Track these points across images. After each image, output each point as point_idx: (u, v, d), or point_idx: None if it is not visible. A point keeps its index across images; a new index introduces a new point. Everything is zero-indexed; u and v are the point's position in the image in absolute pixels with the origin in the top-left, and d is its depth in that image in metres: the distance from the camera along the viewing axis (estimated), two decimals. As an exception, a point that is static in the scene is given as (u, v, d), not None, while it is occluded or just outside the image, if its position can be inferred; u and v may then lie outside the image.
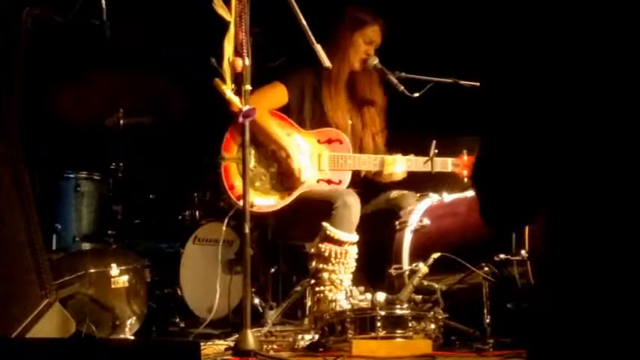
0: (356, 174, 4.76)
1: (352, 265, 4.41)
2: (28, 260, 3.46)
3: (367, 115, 4.95)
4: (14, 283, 3.45)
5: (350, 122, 4.85)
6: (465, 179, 4.79)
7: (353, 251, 4.41)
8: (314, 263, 4.39)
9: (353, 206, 4.41)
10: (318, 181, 4.65)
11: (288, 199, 4.57)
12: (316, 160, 4.68)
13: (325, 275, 4.34)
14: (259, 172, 4.55)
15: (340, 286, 4.31)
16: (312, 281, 4.39)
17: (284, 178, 4.62)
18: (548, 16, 1.76)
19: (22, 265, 3.46)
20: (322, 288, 4.33)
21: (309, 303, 4.44)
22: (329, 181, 4.66)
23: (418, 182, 4.82)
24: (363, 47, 4.80)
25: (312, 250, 4.44)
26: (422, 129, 5.25)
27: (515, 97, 1.76)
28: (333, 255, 4.34)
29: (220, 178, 4.52)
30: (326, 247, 4.35)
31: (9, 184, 3.48)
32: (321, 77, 4.78)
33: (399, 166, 4.71)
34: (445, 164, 4.79)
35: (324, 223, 4.36)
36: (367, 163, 4.72)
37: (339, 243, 4.36)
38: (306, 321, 4.49)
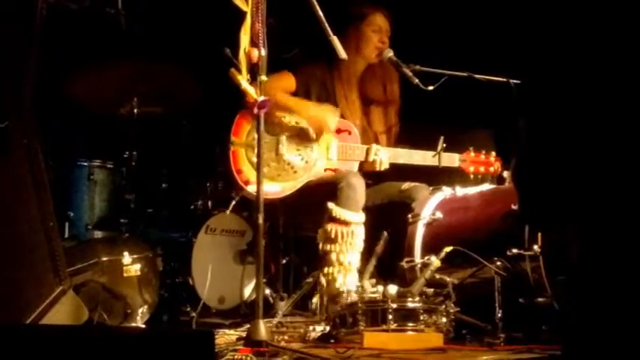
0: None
1: (360, 245, 4.41)
2: (43, 247, 3.47)
3: (381, 111, 4.97)
4: (29, 269, 3.45)
5: (359, 122, 4.86)
6: (471, 175, 4.82)
7: (360, 231, 4.41)
8: (321, 245, 4.40)
9: (357, 186, 4.42)
10: (325, 170, 4.67)
11: (294, 187, 4.58)
12: (324, 149, 4.69)
13: (333, 256, 4.35)
14: (267, 158, 4.55)
15: (349, 266, 4.33)
16: (321, 262, 4.40)
17: (289, 164, 4.61)
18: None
19: (37, 252, 3.47)
20: (331, 269, 4.33)
21: (318, 288, 4.43)
22: (336, 171, 4.67)
23: (431, 176, 4.83)
24: (374, 37, 4.87)
25: (319, 231, 4.44)
26: (435, 121, 5.26)
27: (557, 97, 1.77)
28: (339, 235, 4.35)
29: (228, 163, 4.53)
30: (332, 228, 4.36)
31: (25, 172, 3.49)
32: (333, 73, 4.83)
33: (381, 153, 4.70)
34: (452, 159, 4.83)
35: (329, 204, 4.37)
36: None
37: (345, 223, 4.37)
38: (315, 305, 4.48)
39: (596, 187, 1.73)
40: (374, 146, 4.70)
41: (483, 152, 4.87)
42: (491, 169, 4.86)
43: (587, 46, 1.74)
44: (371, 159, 4.68)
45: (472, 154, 4.86)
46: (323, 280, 4.37)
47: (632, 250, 1.68)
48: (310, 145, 4.68)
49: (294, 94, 4.78)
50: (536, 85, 1.85)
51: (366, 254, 4.43)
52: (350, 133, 4.75)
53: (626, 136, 1.70)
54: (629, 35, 1.71)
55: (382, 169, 4.72)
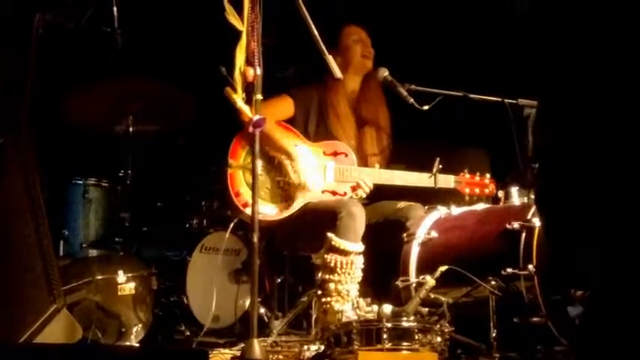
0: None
1: (358, 275, 4.41)
2: (38, 265, 3.47)
3: (374, 133, 4.98)
4: (23, 287, 3.45)
5: (353, 142, 4.87)
6: (467, 197, 4.83)
7: (359, 261, 4.41)
8: (320, 274, 4.40)
9: (357, 216, 4.42)
10: (323, 192, 4.67)
11: (293, 209, 4.58)
12: (322, 171, 4.69)
13: (331, 286, 4.34)
14: (264, 181, 4.57)
15: (347, 296, 4.32)
16: (319, 292, 4.39)
17: (287, 186, 4.63)
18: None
19: (32, 271, 3.47)
20: (329, 299, 4.33)
21: (315, 314, 4.43)
22: (334, 193, 4.68)
23: (427, 195, 4.83)
24: (356, 46, 4.96)
25: (318, 260, 4.44)
26: (431, 141, 5.28)
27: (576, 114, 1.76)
28: (338, 265, 4.34)
29: (226, 185, 4.54)
30: (331, 258, 4.36)
31: (20, 189, 3.49)
32: (328, 94, 4.86)
33: (364, 177, 4.72)
34: (448, 181, 4.83)
35: (329, 234, 4.37)
36: (371, 176, 4.73)
37: (344, 253, 4.36)
38: (313, 332, 4.48)
39: (626, 211, 1.72)
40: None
41: (478, 174, 4.88)
42: (486, 190, 4.88)
43: (608, 63, 1.74)
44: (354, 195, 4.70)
45: (467, 175, 4.87)
46: (319, 311, 4.36)
47: None
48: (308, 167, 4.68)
49: (293, 117, 4.79)
50: (559, 100, 1.84)
51: (363, 282, 4.45)
52: (346, 155, 4.77)
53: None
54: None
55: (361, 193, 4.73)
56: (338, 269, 4.34)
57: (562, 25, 1.83)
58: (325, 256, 4.37)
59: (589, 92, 1.77)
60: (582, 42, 1.78)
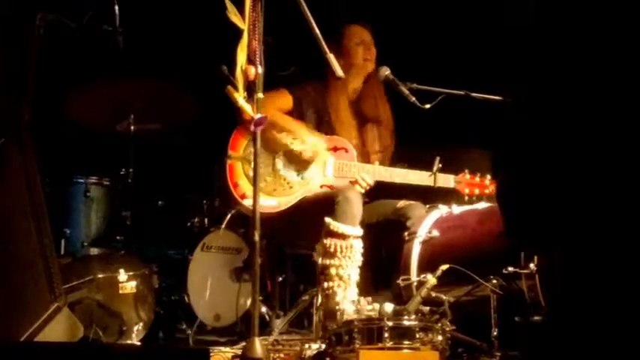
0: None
1: (358, 258, 4.40)
2: (39, 264, 3.47)
3: (376, 130, 4.99)
4: (24, 286, 3.46)
5: (354, 140, 4.88)
6: (466, 197, 4.82)
7: (358, 245, 4.41)
8: (320, 259, 4.39)
9: (354, 200, 4.43)
10: (321, 187, 4.68)
11: (290, 202, 4.59)
12: (321, 166, 4.70)
13: (332, 271, 4.33)
14: (263, 173, 4.56)
15: (348, 280, 4.32)
16: (320, 277, 4.39)
17: (285, 179, 4.64)
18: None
19: (33, 269, 3.47)
20: (330, 283, 4.33)
21: (318, 300, 4.42)
22: (332, 188, 4.68)
23: (428, 194, 4.83)
24: (359, 49, 4.94)
25: (318, 247, 4.44)
26: (432, 140, 5.28)
27: (541, 120, 1.77)
28: (338, 249, 4.34)
29: (225, 176, 4.55)
30: (330, 242, 4.36)
31: (21, 188, 3.50)
32: (327, 92, 4.88)
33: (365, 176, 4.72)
34: (447, 180, 4.81)
35: (327, 218, 4.36)
36: (371, 173, 4.73)
37: (343, 237, 4.36)
38: (316, 319, 4.47)
39: (581, 209, 1.73)
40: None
41: (478, 175, 4.87)
42: (486, 191, 4.86)
43: (575, 72, 1.75)
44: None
45: (467, 176, 4.85)
46: (321, 296, 4.36)
47: (616, 270, 1.69)
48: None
49: (290, 112, 4.81)
50: (522, 105, 1.86)
51: (364, 269, 4.44)
52: (347, 150, 4.78)
53: (612, 157, 1.71)
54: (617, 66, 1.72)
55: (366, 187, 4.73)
56: (338, 253, 4.34)
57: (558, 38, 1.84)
58: (324, 241, 4.37)
59: (559, 97, 1.78)
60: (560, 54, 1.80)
